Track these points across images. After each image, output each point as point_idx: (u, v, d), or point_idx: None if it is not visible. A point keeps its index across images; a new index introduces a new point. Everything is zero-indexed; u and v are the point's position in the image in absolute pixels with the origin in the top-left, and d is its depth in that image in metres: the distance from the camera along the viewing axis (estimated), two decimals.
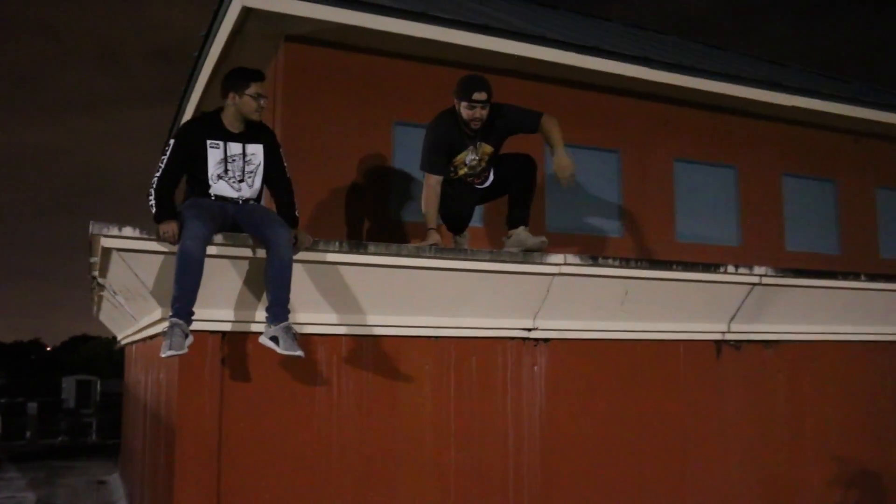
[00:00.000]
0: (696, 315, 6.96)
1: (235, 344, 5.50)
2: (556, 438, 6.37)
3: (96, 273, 6.60)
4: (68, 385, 20.68)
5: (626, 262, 6.31)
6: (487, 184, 6.23)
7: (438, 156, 5.89)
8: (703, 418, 7.07)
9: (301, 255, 5.28)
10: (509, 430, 6.19)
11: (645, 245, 7.74)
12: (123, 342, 12.59)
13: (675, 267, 6.58)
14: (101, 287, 7.61)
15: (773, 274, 7.05)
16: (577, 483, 6.41)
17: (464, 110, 5.78)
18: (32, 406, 18.97)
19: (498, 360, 6.20)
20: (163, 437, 6.23)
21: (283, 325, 5.05)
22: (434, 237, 5.77)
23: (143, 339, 8.55)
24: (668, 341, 6.92)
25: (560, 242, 6.89)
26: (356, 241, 5.55)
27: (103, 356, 29.37)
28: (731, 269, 6.84)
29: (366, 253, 5.51)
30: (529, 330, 6.27)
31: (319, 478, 5.61)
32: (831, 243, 9.33)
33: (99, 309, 11.10)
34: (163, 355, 4.88)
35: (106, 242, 5.13)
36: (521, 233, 6.10)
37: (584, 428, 6.49)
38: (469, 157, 5.96)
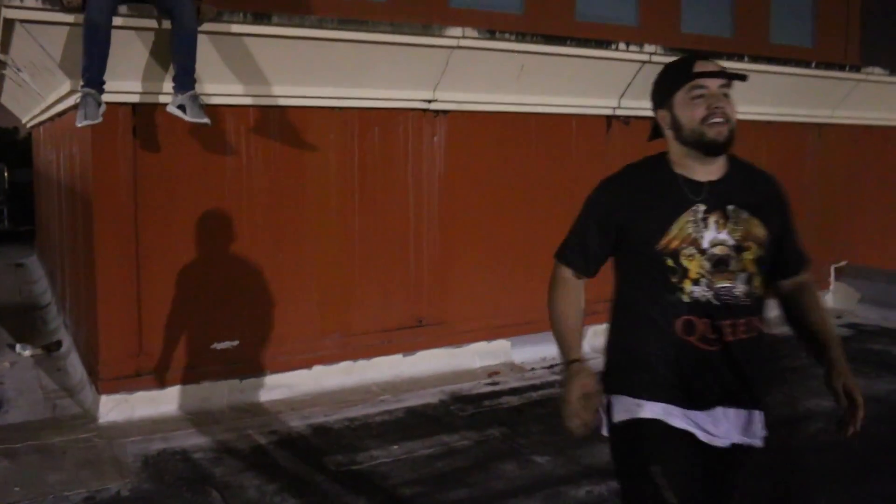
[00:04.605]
0: (589, 91, 7.36)
1: (146, 115, 5.68)
2: (454, 204, 6.86)
3: None
4: None
5: (522, 37, 6.59)
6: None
7: (592, 232, 2.69)
8: (592, 186, 7.62)
9: (206, 27, 5.38)
10: (410, 197, 6.65)
11: (545, 22, 7.95)
12: (29, 125, 12.45)
13: (569, 43, 6.89)
14: (4, 64, 7.53)
15: (663, 52, 7.43)
16: (473, 246, 6.98)
17: (687, 105, 2.47)
18: None
19: (399, 130, 6.55)
20: (80, 208, 6.47)
21: (189, 93, 5.24)
22: (580, 376, 2.47)
23: (52, 118, 8.57)
24: (562, 115, 7.35)
25: (461, 17, 7.07)
26: (259, 12, 5.64)
27: (7, 146, 28.49)
28: (622, 46, 7.20)
29: (269, 24, 5.65)
30: (429, 102, 6.59)
31: (232, 242, 6.00)
32: (725, 27, 9.68)
33: (1, 91, 10.89)
34: (78, 125, 5.07)
35: (8, 13, 5.13)
36: None
37: (480, 194, 6.99)
38: (708, 231, 2.47)
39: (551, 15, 8.15)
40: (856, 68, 9.26)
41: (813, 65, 8.74)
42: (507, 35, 6.53)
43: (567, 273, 2.68)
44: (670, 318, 2.45)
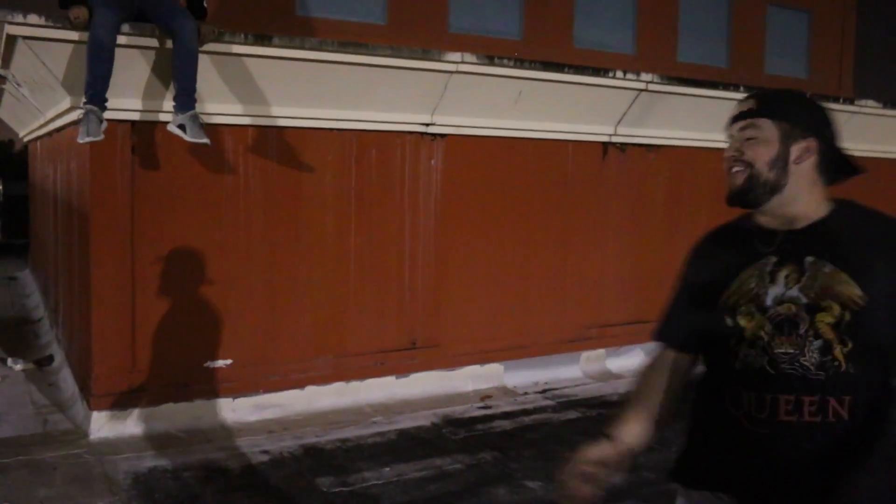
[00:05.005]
0: (586, 117, 7.41)
1: (145, 133, 5.71)
2: (450, 228, 6.88)
3: None
4: None
5: (520, 63, 6.65)
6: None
7: (674, 296, 2.35)
8: (587, 212, 7.68)
9: (207, 47, 5.43)
10: (406, 219, 6.67)
11: (543, 49, 8.03)
12: (26, 139, 12.46)
13: (566, 70, 6.95)
14: (3, 79, 7.55)
15: (659, 81, 7.51)
16: (468, 269, 7.00)
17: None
18: None
19: (397, 153, 6.58)
20: (77, 224, 6.48)
21: (189, 113, 5.27)
22: (593, 451, 2.17)
23: (50, 133, 8.59)
24: (558, 141, 7.40)
25: (461, 43, 7.14)
26: (260, 34, 5.69)
27: (2, 159, 28.45)
28: (619, 74, 7.26)
29: (270, 45, 5.69)
30: (427, 125, 6.63)
31: (228, 260, 6.01)
32: (720, 57, 9.80)
33: None
34: (80, 141, 5.10)
35: (11, 30, 5.15)
36: None
37: (476, 218, 7.02)
38: (774, 287, 2.04)
39: (550, 41, 8.24)
40: (850, 100, 9.34)
41: (808, 96, 8.81)
42: (505, 61, 6.59)
43: (659, 349, 2.33)
44: (722, 390, 2.08)
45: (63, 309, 7.64)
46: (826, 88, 10.20)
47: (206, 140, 5.32)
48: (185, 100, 5.29)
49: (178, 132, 5.31)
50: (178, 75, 5.31)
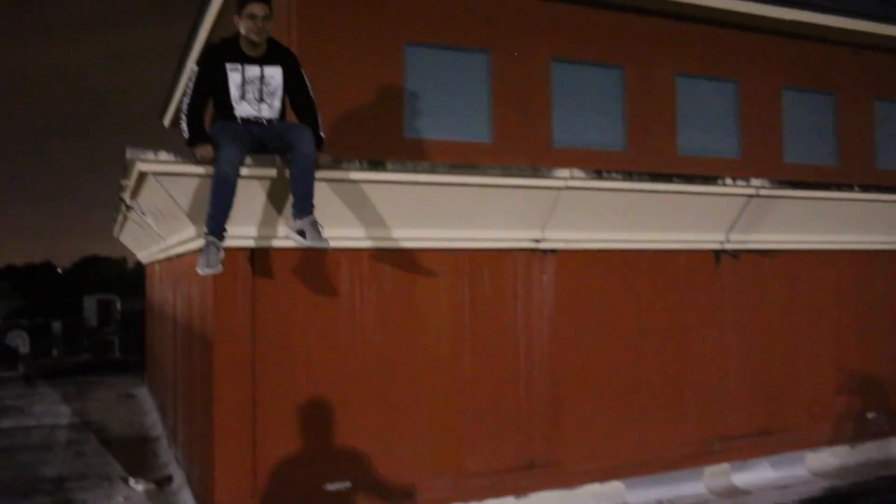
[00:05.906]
0: (696, 226, 7.32)
1: (264, 259, 5.88)
2: (564, 343, 6.81)
3: (126, 195, 6.93)
4: (89, 304, 21.16)
5: (629, 176, 6.66)
6: None
7: None
8: (703, 323, 7.50)
9: (324, 174, 5.60)
10: (520, 336, 6.64)
11: (648, 159, 8.04)
12: (145, 261, 13.02)
13: (675, 180, 6.91)
14: (129, 208, 7.94)
15: (770, 186, 7.38)
16: (584, 385, 6.88)
17: None
18: (57, 325, 19.63)
19: (509, 270, 6.61)
20: (198, 349, 6.65)
21: (308, 218, 5.34)
22: None
23: (170, 258, 8.94)
24: (670, 251, 7.31)
25: (566, 157, 7.21)
26: (375, 160, 5.86)
27: (116, 276, 29.79)
28: (728, 181, 7.18)
29: (384, 170, 5.85)
30: (538, 241, 6.66)
31: (345, 382, 6.06)
32: (829, 155, 9.62)
33: (122, 229, 11.48)
34: (199, 272, 5.27)
35: (143, 167, 5.46)
36: None
37: (591, 333, 6.93)
38: None
39: (654, 151, 8.26)
40: None
41: None
42: (613, 174, 6.60)
43: None
44: None
45: (183, 430, 7.79)
46: None
47: (326, 244, 5.34)
48: (304, 205, 5.37)
49: (297, 238, 5.37)
50: (296, 182, 5.40)
